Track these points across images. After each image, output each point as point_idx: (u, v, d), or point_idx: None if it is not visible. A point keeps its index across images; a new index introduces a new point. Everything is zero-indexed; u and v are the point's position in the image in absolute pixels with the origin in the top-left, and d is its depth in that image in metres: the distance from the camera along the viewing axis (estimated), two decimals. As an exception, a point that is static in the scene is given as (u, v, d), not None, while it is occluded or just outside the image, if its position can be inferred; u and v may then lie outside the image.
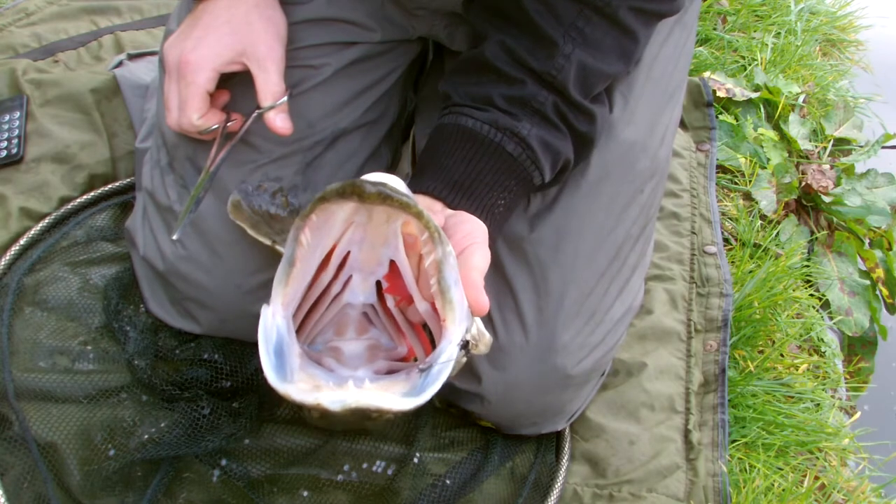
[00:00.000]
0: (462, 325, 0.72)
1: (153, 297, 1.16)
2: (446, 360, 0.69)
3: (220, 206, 1.06)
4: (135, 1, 1.71)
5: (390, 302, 0.83)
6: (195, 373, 1.13)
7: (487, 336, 0.84)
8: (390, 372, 0.77)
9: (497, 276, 1.08)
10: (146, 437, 1.08)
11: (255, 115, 1.03)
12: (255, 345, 0.70)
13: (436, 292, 0.73)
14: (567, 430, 1.22)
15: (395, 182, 0.80)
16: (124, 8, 1.69)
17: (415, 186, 0.92)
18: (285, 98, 1.02)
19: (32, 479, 1.02)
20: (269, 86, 1.01)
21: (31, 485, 1.02)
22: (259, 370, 1.11)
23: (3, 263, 1.22)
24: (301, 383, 0.66)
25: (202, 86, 0.99)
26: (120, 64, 1.56)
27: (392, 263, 0.79)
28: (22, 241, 1.25)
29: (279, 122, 1.02)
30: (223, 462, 1.08)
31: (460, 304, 0.73)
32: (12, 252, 1.24)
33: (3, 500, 1.00)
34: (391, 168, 1.24)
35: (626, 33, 0.96)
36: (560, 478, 1.18)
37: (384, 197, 0.68)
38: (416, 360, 0.83)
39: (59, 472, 1.03)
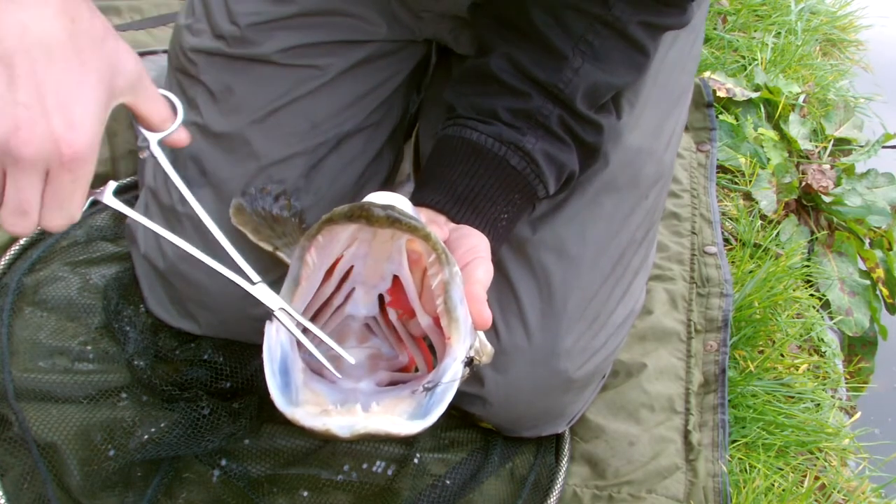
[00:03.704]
0: (466, 342, 0.73)
1: (153, 295, 1.16)
2: (451, 378, 0.70)
3: (223, 207, 1.06)
4: (135, 1, 1.71)
5: (392, 315, 0.83)
6: (195, 373, 1.13)
7: (489, 347, 0.85)
8: (392, 383, 0.77)
9: (500, 279, 1.08)
10: (146, 437, 1.08)
11: (156, 152, 0.80)
12: (256, 346, 0.71)
13: (442, 312, 0.74)
14: (567, 431, 1.22)
15: (402, 203, 0.81)
16: (124, 8, 1.69)
17: (418, 199, 0.92)
18: (180, 115, 0.80)
19: (32, 479, 1.02)
20: (159, 108, 0.78)
21: (31, 485, 1.01)
22: (259, 370, 1.12)
23: (3, 263, 1.22)
24: (308, 405, 0.67)
25: (91, 174, 0.70)
26: (120, 64, 1.55)
27: (395, 278, 0.80)
28: (22, 241, 1.25)
29: (185, 136, 0.82)
30: (223, 462, 1.08)
31: (465, 321, 0.74)
32: (12, 252, 1.24)
33: (3, 500, 1.00)
34: (393, 170, 1.24)
35: (635, 46, 0.96)
36: (560, 479, 1.18)
37: (392, 220, 0.69)
38: (416, 369, 0.84)
39: (59, 472, 1.03)
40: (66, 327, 1.17)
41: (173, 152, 1.12)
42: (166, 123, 0.78)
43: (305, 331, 0.80)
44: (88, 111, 0.67)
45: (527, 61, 0.93)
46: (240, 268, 0.78)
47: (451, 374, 0.71)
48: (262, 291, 0.75)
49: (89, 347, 1.16)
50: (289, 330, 0.73)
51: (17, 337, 1.14)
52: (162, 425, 1.09)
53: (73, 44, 0.65)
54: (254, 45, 1.07)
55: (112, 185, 0.75)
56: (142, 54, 1.60)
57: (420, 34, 1.15)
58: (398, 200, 0.80)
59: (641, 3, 0.93)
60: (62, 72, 0.65)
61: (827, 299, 1.76)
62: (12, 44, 0.62)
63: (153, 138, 0.78)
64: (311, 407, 0.67)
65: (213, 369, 1.14)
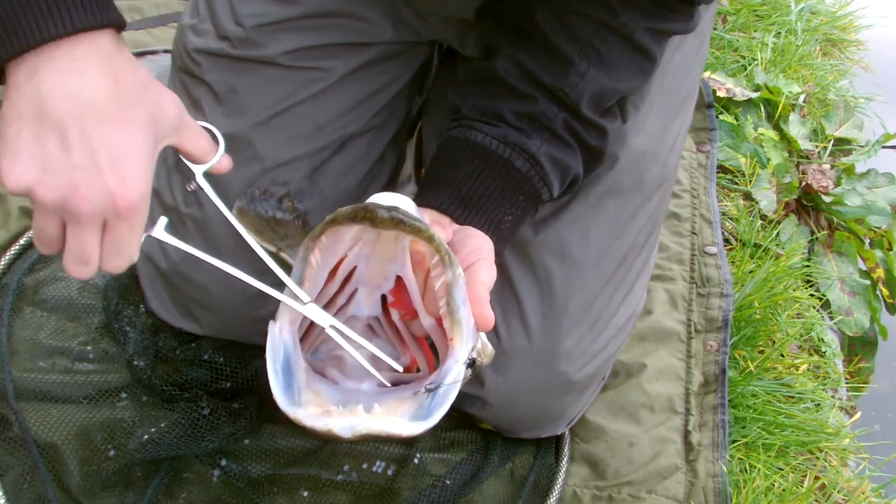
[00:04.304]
0: (469, 344, 0.73)
1: (154, 295, 1.16)
2: (453, 380, 0.70)
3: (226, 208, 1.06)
4: (135, 1, 1.71)
5: (395, 315, 0.83)
6: (195, 373, 1.14)
7: (490, 348, 0.85)
8: (394, 383, 0.77)
9: (502, 281, 1.07)
10: (146, 437, 1.08)
11: (202, 184, 0.81)
12: (256, 347, 0.71)
13: (444, 313, 0.74)
14: (567, 432, 1.22)
15: (406, 203, 0.81)
16: (124, 8, 1.69)
17: (422, 200, 0.92)
18: (222, 145, 0.82)
19: (32, 479, 1.02)
20: (201, 143, 0.80)
21: (31, 485, 1.02)
22: (259, 371, 1.12)
23: (3, 263, 1.22)
24: (310, 406, 0.67)
25: (145, 219, 0.73)
26: (120, 63, 1.56)
27: (398, 278, 0.80)
28: (22, 241, 1.25)
29: (227, 163, 0.84)
30: (223, 462, 1.08)
31: (468, 323, 0.74)
32: (12, 252, 1.24)
33: (3, 500, 1.00)
34: (395, 171, 1.24)
35: (641, 52, 0.95)
36: (560, 479, 1.18)
37: (396, 222, 0.69)
38: (418, 370, 0.84)
39: (59, 472, 1.03)
40: (66, 327, 1.17)
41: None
42: (209, 155, 0.81)
43: (306, 333, 0.80)
44: (138, 164, 0.70)
45: (533, 65, 0.93)
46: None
47: (454, 375, 0.71)
48: (312, 310, 0.75)
49: (89, 347, 1.16)
50: (344, 347, 0.76)
51: (17, 337, 1.15)
52: (162, 425, 1.09)
53: (117, 102, 0.69)
54: (258, 46, 1.06)
55: (163, 220, 0.77)
56: (142, 54, 1.60)
57: (425, 36, 1.14)
58: (402, 201, 0.80)
59: (648, 10, 0.92)
60: (111, 131, 0.68)
61: (827, 299, 1.76)
62: (64, 110, 0.67)
63: (198, 170, 0.81)
64: (313, 407, 0.68)
65: (214, 369, 1.14)
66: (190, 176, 0.81)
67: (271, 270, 0.78)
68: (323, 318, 0.75)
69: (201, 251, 0.79)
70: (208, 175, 0.81)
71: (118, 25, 0.71)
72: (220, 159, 0.81)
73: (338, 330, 0.76)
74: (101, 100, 0.68)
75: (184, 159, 0.80)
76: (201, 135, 0.80)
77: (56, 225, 0.70)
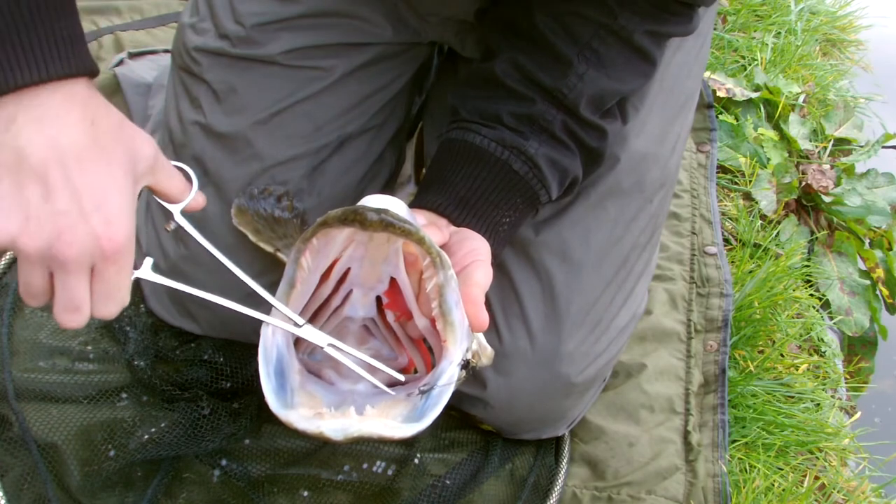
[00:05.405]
0: (463, 345, 0.73)
1: (154, 294, 1.16)
2: (447, 382, 0.70)
3: (225, 208, 1.06)
4: (135, 1, 1.71)
5: (390, 316, 0.83)
6: (195, 373, 1.14)
7: (489, 349, 0.85)
8: (391, 384, 0.77)
9: (503, 281, 1.08)
10: (146, 437, 1.08)
11: (181, 222, 0.82)
12: (256, 346, 0.71)
13: (437, 315, 0.74)
14: (567, 433, 1.22)
15: (397, 205, 0.81)
16: (124, 8, 1.69)
17: (420, 202, 0.92)
18: (195, 184, 0.83)
19: (32, 479, 1.02)
20: (175, 182, 0.80)
21: (32, 485, 1.02)
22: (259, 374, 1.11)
23: (3, 263, 1.22)
24: (302, 408, 0.67)
25: (133, 259, 0.73)
26: (121, 62, 1.56)
27: (392, 280, 0.80)
28: (22, 241, 1.25)
29: (202, 200, 0.85)
30: (223, 462, 1.08)
31: (461, 324, 0.74)
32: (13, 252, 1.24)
33: (3, 500, 1.00)
34: (395, 171, 1.24)
35: (641, 54, 0.96)
36: (559, 480, 1.18)
37: (386, 224, 0.69)
38: (415, 371, 0.84)
39: (59, 472, 1.03)
40: (66, 327, 1.17)
41: (176, 152, 1.12)
42: (184, 194, 0.81)
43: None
44: (122, 205, 0.69)
45: (532, 66, 0.93)
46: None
47: (447, 377, 0.71)
48: (308, 332, 0.75)
49: (89, 347, 1.16)
50: (342, 362, 0.76)
51: (17, 337, 1.15)
52: (162, 425, 1.09)
53: (97, 145, 0.68)
54: (258, 45, 1.07)
55: (149, 261, 0.77)
56: (142, 53, 1.60)
57: (425, 37, 1.14)
58: (393, 203, 0.80)
59: (647, 13, 0.93)
60: (92, 174, 0.67)
61: (827, 299, 1.76)
62: (43, 156, 0.65)
63: (175, 209, 0.81)
64: (306, 410, 0.67)
65: (214, 369, 1.14)
66: (168, 216, 0.81)
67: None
68: (320, 339, 0.75)
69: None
70: (186, 213, 0.81)
71: (92, 73, 0.71)
72: (194, 196, 0.81)
73: (335, 347, 0.75)
74: (80, 143, 0.67)
75: (159, 199, 0.80)
76: (176, 174, 0.80)
77: (43, 275, 0.68)
